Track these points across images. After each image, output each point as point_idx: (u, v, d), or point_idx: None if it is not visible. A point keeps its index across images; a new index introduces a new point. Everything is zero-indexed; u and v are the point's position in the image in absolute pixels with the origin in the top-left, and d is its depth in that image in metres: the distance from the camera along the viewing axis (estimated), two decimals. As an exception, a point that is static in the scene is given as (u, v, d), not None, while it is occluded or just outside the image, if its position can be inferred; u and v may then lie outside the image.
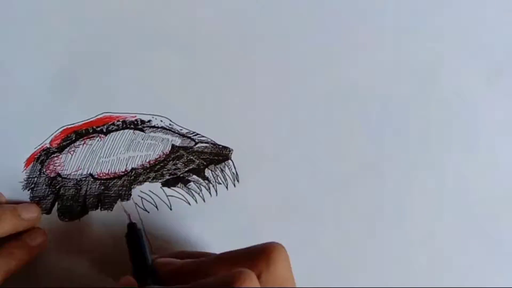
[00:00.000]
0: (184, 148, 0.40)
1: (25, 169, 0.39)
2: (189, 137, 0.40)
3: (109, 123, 0.39)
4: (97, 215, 0.39)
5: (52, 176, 0.39)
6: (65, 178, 0.39)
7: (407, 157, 0.41)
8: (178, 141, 0.40)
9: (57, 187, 0.39)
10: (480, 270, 0.40)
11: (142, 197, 0.39)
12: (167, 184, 0.40)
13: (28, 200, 0.39)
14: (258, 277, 0.30)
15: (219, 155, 0.40)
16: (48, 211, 0.39)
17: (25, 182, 0.39)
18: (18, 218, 0.37)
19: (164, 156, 0.40)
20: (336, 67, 0.40)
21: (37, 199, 0.39)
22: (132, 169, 0.39)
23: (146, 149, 0.40)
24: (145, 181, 0.39)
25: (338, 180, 0.40)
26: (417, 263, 0.40)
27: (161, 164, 0.40)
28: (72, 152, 0.39)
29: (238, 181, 0.40)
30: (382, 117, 0.41)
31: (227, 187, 0.40)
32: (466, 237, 0.41)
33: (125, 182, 0.39)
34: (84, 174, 0.39)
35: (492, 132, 0.41)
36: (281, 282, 0.30)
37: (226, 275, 0.29)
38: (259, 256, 0.31)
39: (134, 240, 0.35)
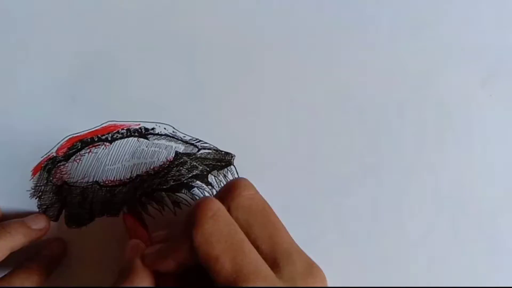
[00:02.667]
0: (188, 155, 0.41)
1: (32, 178, 0.40)
2: (192, 144, 0.41)
3: (114, 132, 0.40)
4: (103, 222, 0.40)
5: (58, 184, 0.40)
6: (71, 186, 0.40)
7: (404, 159, 0.41)
8: (181, 148, 0.41)
9: (64, 194, 0.40)
10: (478, 270, 0.41)
11: (147, 204, 0.40)
12: (171, 190, 0.41)
13: (36, 208, 0.40)
14: (228, 209, 0.32)
15: (221, 161, 0.41)
16: (56, 218, 0.40)
17: (33, 190, 0.40)
18: (28, 228, 0.38)
19: (168, 162, 0.41)
20: (335, 73, 0.41)
21: (45, 207, 0.40)
22: (137, 176, 0.40)
23: (150, 156, 0.40)
24: (149, 188, 0.40)
25: (338, 183, 0.41)
26: (416, 263, 0.41)
27: (165, 171, 0.40)
28: (78, 161, 0.40)
29: (240, 186, 0.41)
30: (379, 120, 0.41)
31: (230, 192, 0.41)
32: (464, 237, 0.41)
33: (130, 189, 0.40)
34: (90, 182, 0.40)
35: (487, 134, 0.42)
36: (247, 203, 0.33)
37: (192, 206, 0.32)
38: (223, 194, 0.33)
39: None
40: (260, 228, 0.32)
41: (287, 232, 0.33)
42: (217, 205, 0.31)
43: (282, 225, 0.33)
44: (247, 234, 0.31)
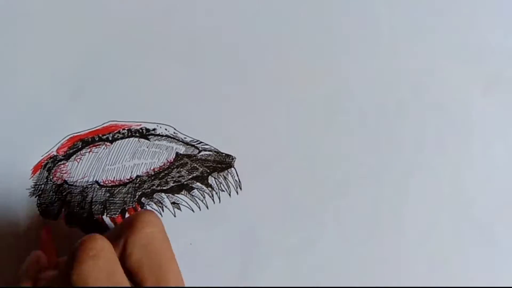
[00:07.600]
0: (188, 156, 0.41)
1: (32, 176, 0.40)
2: (193, 145, 0.41)
3: (115, 132, 0.40)
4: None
5: (58, 183, 0.40)
6: (71, 185, 0.40)
7: (404, 160, 0.41)
8: (182, 149, 0.41)
9: (64, 193, 0.40)
10: (478, 270, 0.41)
11: (146, 204, 0.40)
12: (171, 191, 0.40)
13: (35, 206, 0.39)
14: (125, 242, 0.31)
15: (222, 163, 0.41)
16: (55, 217, 0.39)
17: (32, 189, 0.39)
18: None
19: (168, 164, 0.41)
20: (335, 75, 0.42)
21: (44, 205, 0.39)
22: (137, 176, 0.40)
23: (151, 157, 0.40)
24: (149, 188, 0.40)
25: (338, 186, 0.41)
26: (416, 264, 0.41)
27: (166, 172, 0.40)
28: (78, 160, 0.40)
29: (240, 188, 0.41)
30: (379, 120, 0.42)
31: (230, 195, 0.41)
32: (464, 238, 0.41)
33: (130, 189, 0.40)
34: (90, 181, 0.40)
35: (487, 134, 0.42)
36: (145, 242, 0.31)
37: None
38: (126, 225, 0.32)
39: None
40: (150, 270, 0.31)
41: (179, 278, 0.32)
42: (101, 244, 0.30)
43: (175, 271, 0.32)
44: (136, 274, 0.31)
